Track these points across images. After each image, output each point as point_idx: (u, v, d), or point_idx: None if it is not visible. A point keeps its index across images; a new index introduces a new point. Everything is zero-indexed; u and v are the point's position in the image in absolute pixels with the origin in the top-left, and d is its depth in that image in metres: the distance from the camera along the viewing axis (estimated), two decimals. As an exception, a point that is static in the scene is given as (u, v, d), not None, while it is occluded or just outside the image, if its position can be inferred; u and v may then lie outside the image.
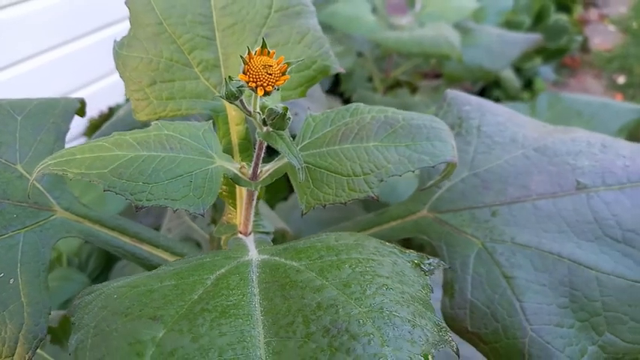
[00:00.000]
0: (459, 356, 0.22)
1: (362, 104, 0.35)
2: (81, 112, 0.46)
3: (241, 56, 0.28)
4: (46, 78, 1.29)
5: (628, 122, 0.98)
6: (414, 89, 1.59)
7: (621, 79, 2.27)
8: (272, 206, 1.01)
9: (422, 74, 1.78)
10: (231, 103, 0.30)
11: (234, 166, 0.35)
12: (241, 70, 0.28)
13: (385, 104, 1.36)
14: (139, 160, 0.32)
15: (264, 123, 0.30)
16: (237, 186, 0.40)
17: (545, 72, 2.19)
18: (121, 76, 0.40)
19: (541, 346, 0.31)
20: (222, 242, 0.42)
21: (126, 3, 0.40)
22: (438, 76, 1.71)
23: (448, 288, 0.35)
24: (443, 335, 0.22)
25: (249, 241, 0.35)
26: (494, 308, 0.33)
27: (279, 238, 0.66)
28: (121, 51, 0.39)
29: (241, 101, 0.30)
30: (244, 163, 0.35)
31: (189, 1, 0.40)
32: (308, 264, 0.26)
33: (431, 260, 0.28)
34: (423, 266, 0.28)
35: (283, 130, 0.30)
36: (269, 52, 0.28)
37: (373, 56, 1.58)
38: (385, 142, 0.32)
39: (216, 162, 0.34)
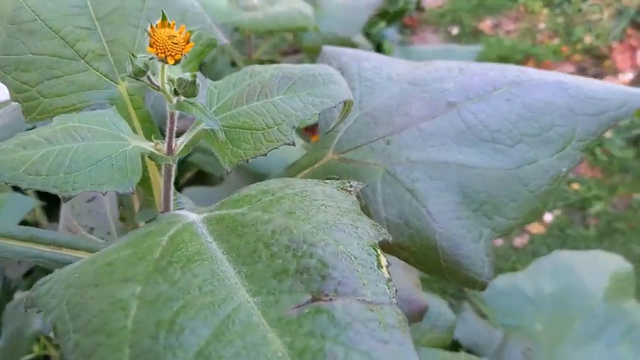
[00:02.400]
0: (390, 241, 0.26)
1: (257, 65, 0.37)
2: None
3: (146, 30, 0.29)
4: None
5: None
6: (278, 67, 1.63)
7: (455, 31, 2.54)
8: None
9: (282, 53, 1.83)
10: (138, 80, 0.31)
11: (148, 144, 0.36)
12: (147, 44, 0.29)
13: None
14: (52, 154, 0.32)
15: (175, 93, 0.32)
16: (149, 168, 0.41)
17: (390, 34, 2.37)
18: (1, 82, 0.38)
19: (449, 238, 0.38)
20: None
21: (-12, 5, 0.38)
22: (297, 51, 1.77)
23: (365, 213, 0.40)
24: (379, 230, 0.27)
25: (180, 211, 0.37)
26: (405, 218, 0.39)
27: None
28: (-4, 54, 0.38)
29: (148, 77, 0.32)
30: (158, 141, 0.37)
31: (59, -7, 0.39)
32: (250, 207, 0.29)
33: (350, 183, 0.32)
34: (345, 189, 0.32)
35: (195, 97, 0.32)
36: (169, 24, 0.30)
37: (232, 40, 1.59)
38: (288, 93, 0.35)
39: (131, 143, 0.35)
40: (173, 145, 0.36)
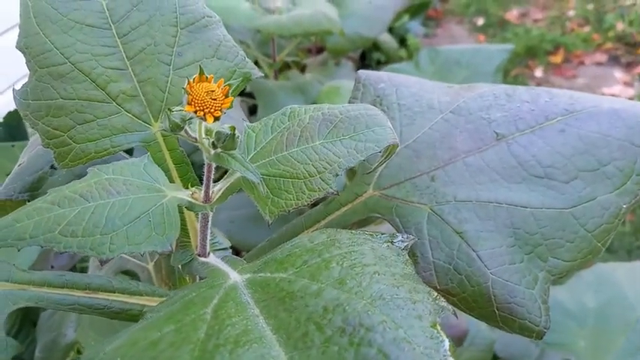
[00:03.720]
0: (457, 317, 0.24)
1: (296, 106, 0.36)
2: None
3: (183, 88, 0.27)
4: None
5: (501, 62, 1.08)
6: (302, 68, 1.61)
7: (480, 21, 2.47)
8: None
9: (306, 50, 1.80)
10: (175, 134, 0.30)
11: (185, 193, 0.34)
12: (185, 101, 0.28)
13: (281, 88, 1.37)
14: (88, 212, 0.31)
15: (214, 146, 0.30)
16: (185, 210, 0.40)
17: (414, 27, 2.32)
18: (33, 128, 0.37)
19: (502, 285, 0.36)
20: (180, 269, 0.42)
21: (17, 47, 0.37)
22: (321, 49, 1.75)
23: (410, 256, 0.38)
24: (439, 302, 0.25)
25: (218, 263, 0.36)
26: (455, 263, 0.36)
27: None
28: (26, 100, 0.37)
29: (185, 130, 0.30)
30: (194, 189, 0.35)
31: (88, 33, 0.38)
32: (296, 272, 0.27)
33: (400, 237, 0.30)
34: (395, 244, 0.30)
35: (234, 149, 0.30)
36: (207, 77, 0.28)
37: (255, 42, 1.57)
38: (329, 138, 0.33)
39: (168, 194, 0.33)
40: (210, 192, 0.35)
